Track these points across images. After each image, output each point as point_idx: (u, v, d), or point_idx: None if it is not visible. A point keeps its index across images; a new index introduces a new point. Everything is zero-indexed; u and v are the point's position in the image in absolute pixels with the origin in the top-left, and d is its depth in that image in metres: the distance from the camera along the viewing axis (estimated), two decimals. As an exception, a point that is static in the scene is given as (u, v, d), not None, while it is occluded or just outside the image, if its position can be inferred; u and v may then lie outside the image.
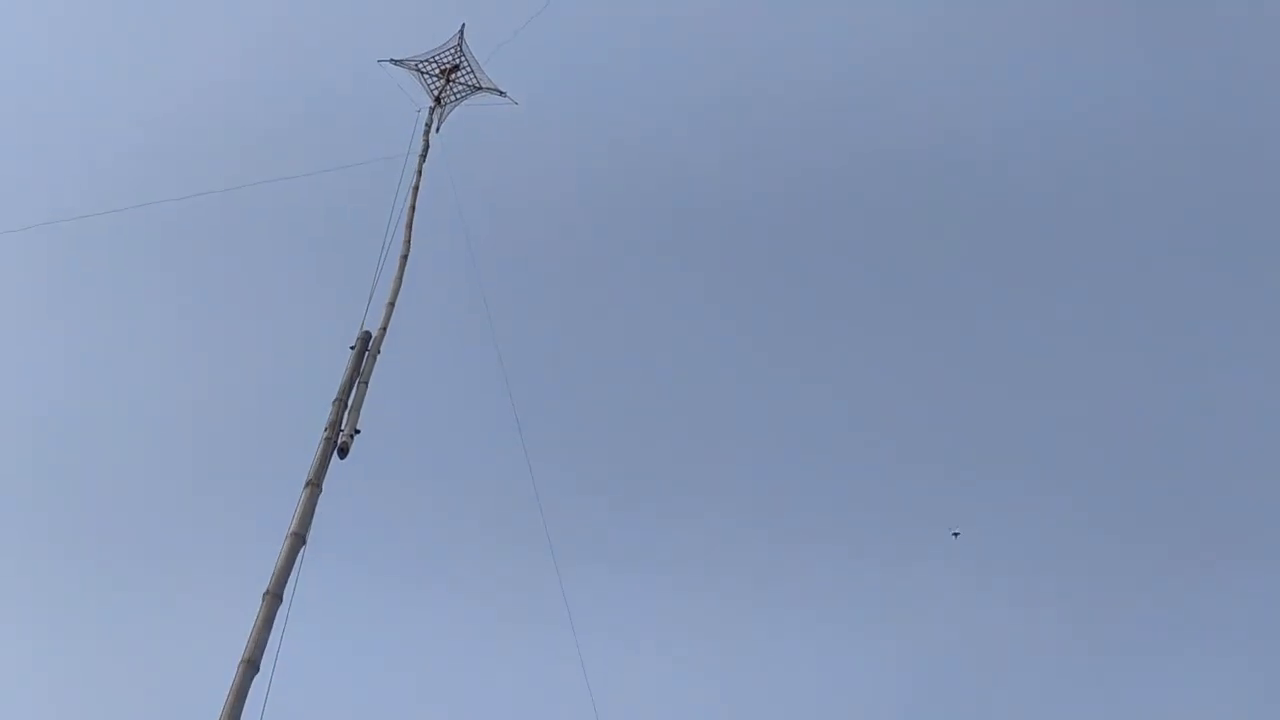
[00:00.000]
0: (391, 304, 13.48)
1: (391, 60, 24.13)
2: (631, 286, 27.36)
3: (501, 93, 24.27)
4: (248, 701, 8.38)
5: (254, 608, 8.95)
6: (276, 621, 8.96)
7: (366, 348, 12.36)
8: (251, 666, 8.55)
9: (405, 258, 14.93)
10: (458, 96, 23.88)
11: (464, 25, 23.87)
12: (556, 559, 12.72)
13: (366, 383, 11.75)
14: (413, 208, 16.42)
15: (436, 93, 23.48)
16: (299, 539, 9.62)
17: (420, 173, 18.29)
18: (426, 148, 19.83)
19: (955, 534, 21.05)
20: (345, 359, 12.08)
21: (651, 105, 28.91)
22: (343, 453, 10.65)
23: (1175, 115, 26.61)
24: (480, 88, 24.18)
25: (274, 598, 9.08)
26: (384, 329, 12.85)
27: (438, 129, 21.98)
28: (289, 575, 9.32)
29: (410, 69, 24.15)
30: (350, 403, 11.37)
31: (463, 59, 23.90)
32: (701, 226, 28.14)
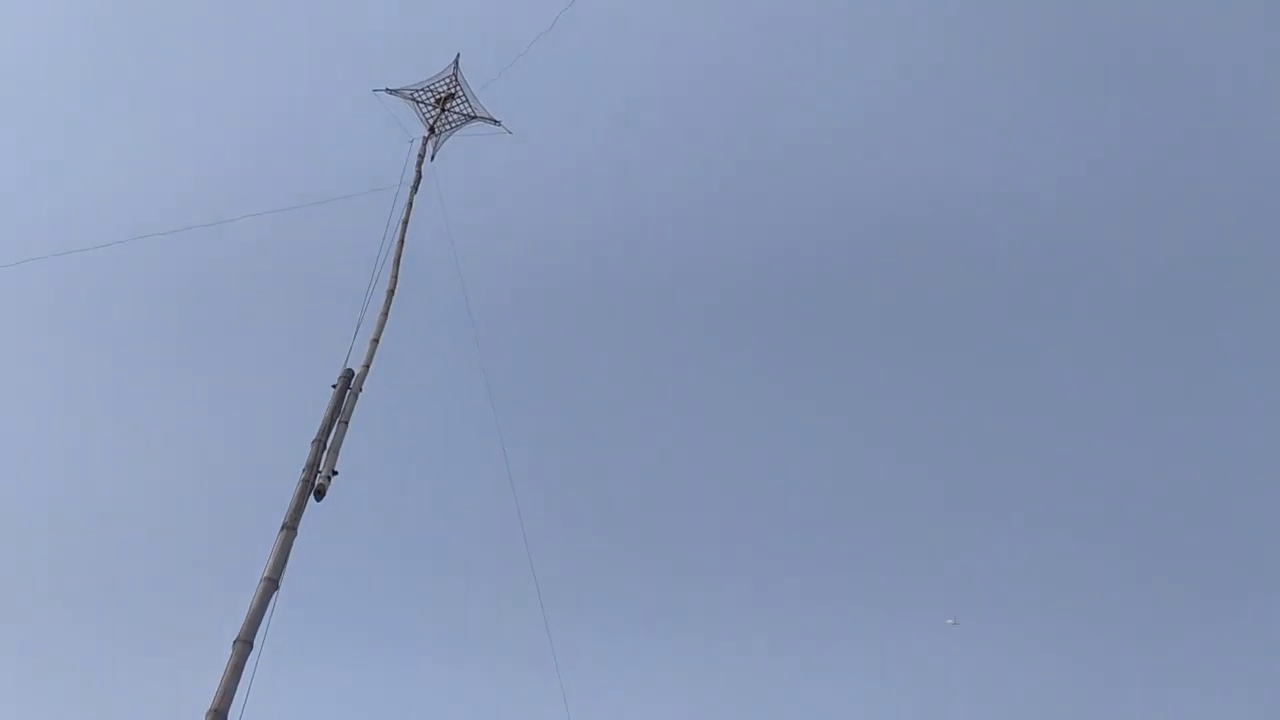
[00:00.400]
0: (376, 340, 13.37)
1: (386, 89, 24.17)
2: (630, 326, 27.26)
3: (496, 122, 24.30)
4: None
5: (224, 656, 8.84)
6: (247, 669, 8.86)
7: (349, 386, 12.26)
8: (219, 717, 8.45)
9: (392, 293, 14.81)
10: (452, 125, 23.92)
11: (459, 55, 23.93)
12: (544, 605, 12.54)
13: (347, 423, 11.64)
14: (401, 241, 16.29)
15: (431, 122, 23.51)
16: (272, 584, 9.52)
17: (411, 204, 18.15)
18: (419, 178, 19.74)
19: (952, 623, 20.79)
20: (326, 397, 11.99)
21: (648, 137, 28.94)
22: (319, 495, 10.54)
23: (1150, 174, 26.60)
24: (475, 117, 24.22)
25: (244, 645, 8.98)
26: (366, 367, 12.73)
27: (432, 158, 22.00)
28: (260, 621, 9.22)
29: (405, 98, 24.18)
30: (329, 443, 11.27)
31: (458, 88, 23.94)
32: (698, 263, 28.09)
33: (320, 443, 11.21)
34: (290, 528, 10.03)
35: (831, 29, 28.87)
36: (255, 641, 9.06)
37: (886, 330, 26.08)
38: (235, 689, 8.67)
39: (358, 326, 13.47)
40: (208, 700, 8.54)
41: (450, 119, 23.77)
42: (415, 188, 19.07)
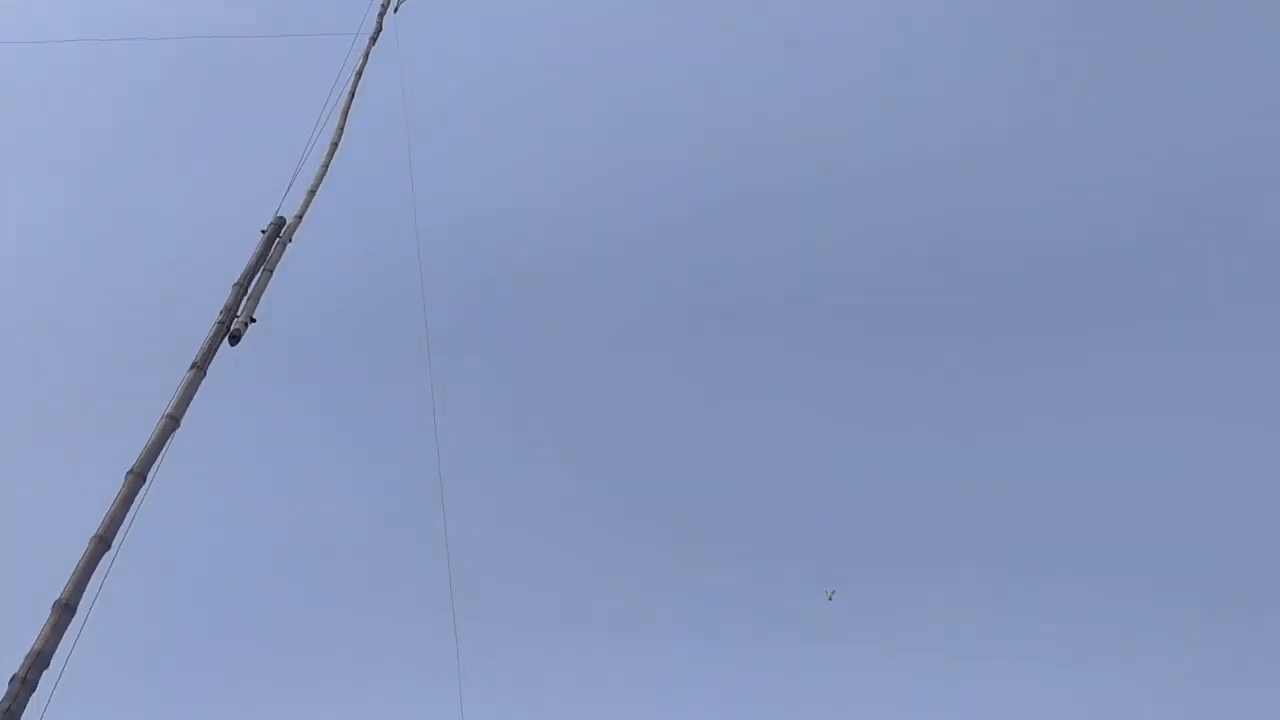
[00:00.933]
0: (313, 191, 13.10)
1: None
2: (584, 239, 26.77)
3: (468, -15, 23.60)
4: (95, 577, 8.31)
5: (116, 485, 8.81)
6: (135, 501, 8.84)
7: (279, 234, 12.05)
8: (103, 543, 8.45)
9: (336, 144, 14.47)
10: (422, -21, 23.14)
11: (440, -92, 23.05)
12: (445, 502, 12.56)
13: (272, 270, 11.46)
14: (352, 93, 15.85)
15: (400, -29, 22.71)
16: (173, 421, 9.45)
17: (367, 55, 17.62)
18: (379, 29, 19.12)
19: (830, 595, 20.37)
20: (255, 242, 11.78)
21: (628, 47, 28.24)
22: (234, 339, 10.42)
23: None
24: (447, -25, 23.46)
25: (137, 477, 8.93)
26: (300, 217, 12.50)
27: (395, 10, 21.28)
28: (156, 457, 9.17)
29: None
30: (251, 289, 11.11)
31: (433, -58, 23.10)
32: (664, 200, 27.50)
33: (242, 287, 11.04)
34: (200, 368, 9.91)
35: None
36: (148, 475, 9.02)
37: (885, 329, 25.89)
38: (123, 519, 8.66)
39: (295, 174, 13.20)
40: (95, 525, 8.53)
41: (421, -27, 22.97)
42: (374, 39, 18.48)
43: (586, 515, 22.76)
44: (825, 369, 24.88)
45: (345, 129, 14.96)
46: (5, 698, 7.06)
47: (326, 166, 13.72)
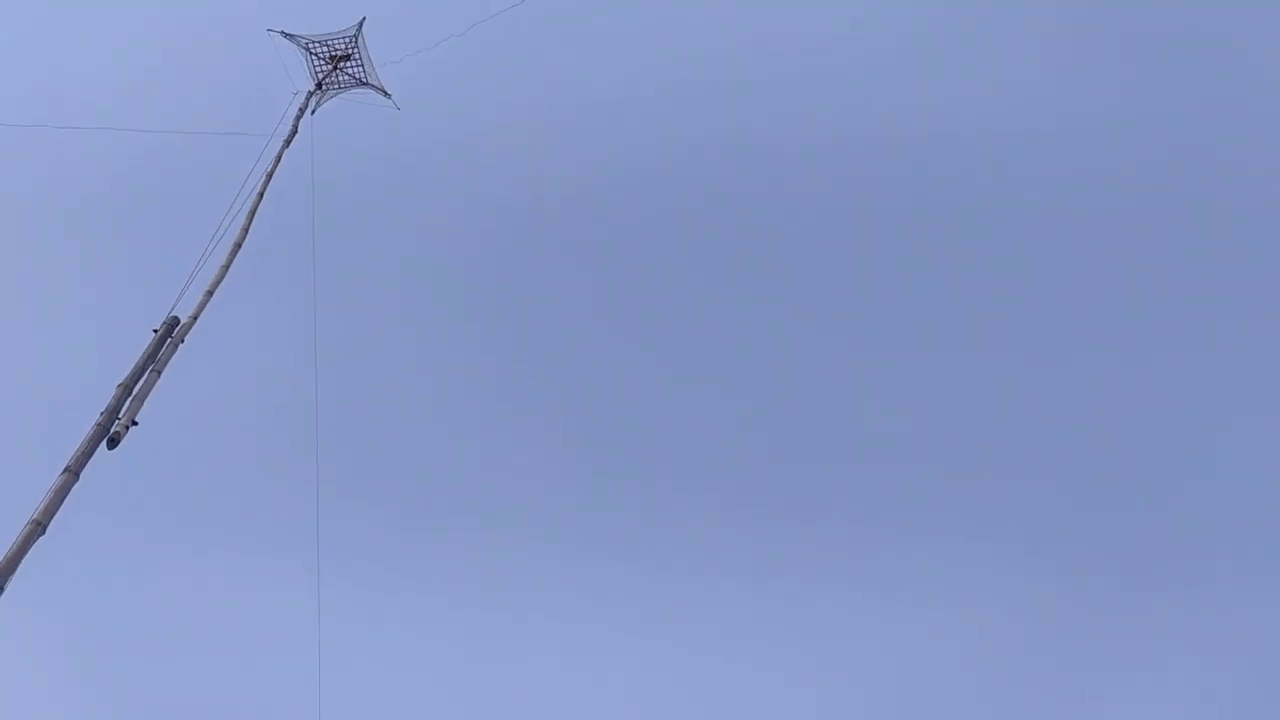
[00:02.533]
0: (210, 292, 12.83)
1: (282, 32, 23.41)
2: (477, 321, 26.89)
3: (386, 93, 23.82)
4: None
5: (-32, 594, 8.29)
6: (-11, 613, 8.33)
7: (170, 334, 11.73)
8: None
9: (239, 245, 14.24)
10: (341, 86, 23.33)
11: (364, 18, 23.37)
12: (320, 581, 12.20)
13: (160, 372, 11.11)
14: (261, 194, 15.68)
15: (320, 77, 22.88)
16: (38, 526, 8.98)
17: (279, 158, 17.52)
18: (294, 132, 19.05)
19: None
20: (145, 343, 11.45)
21: (537, 145, 28.78)
22: (113, 443, 10.01)
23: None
24: (366, 83, 23.70)
25: (-8, 587, 8.43)
26: (194, 318, 12.19)
27: (313, 112, 21.35)
28: (17, 564, 8.68)
29: (300, 45, 23.47)
30: (136, 390, 10.74)
31: (355, 50, 23.38)
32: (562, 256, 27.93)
33: (127, 388, 10.67)
34: (73, 472, 9.48)
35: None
36: (4, 585, 8.52)
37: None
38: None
39: (194, 274, 12.92)
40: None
41: (340, 79, 23.18)
42: (288, 142, 18.41)
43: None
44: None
45: (250, 230, 14.78)
46: None
47: (227, 267, 13.47)
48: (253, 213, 15.11)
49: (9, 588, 8.58)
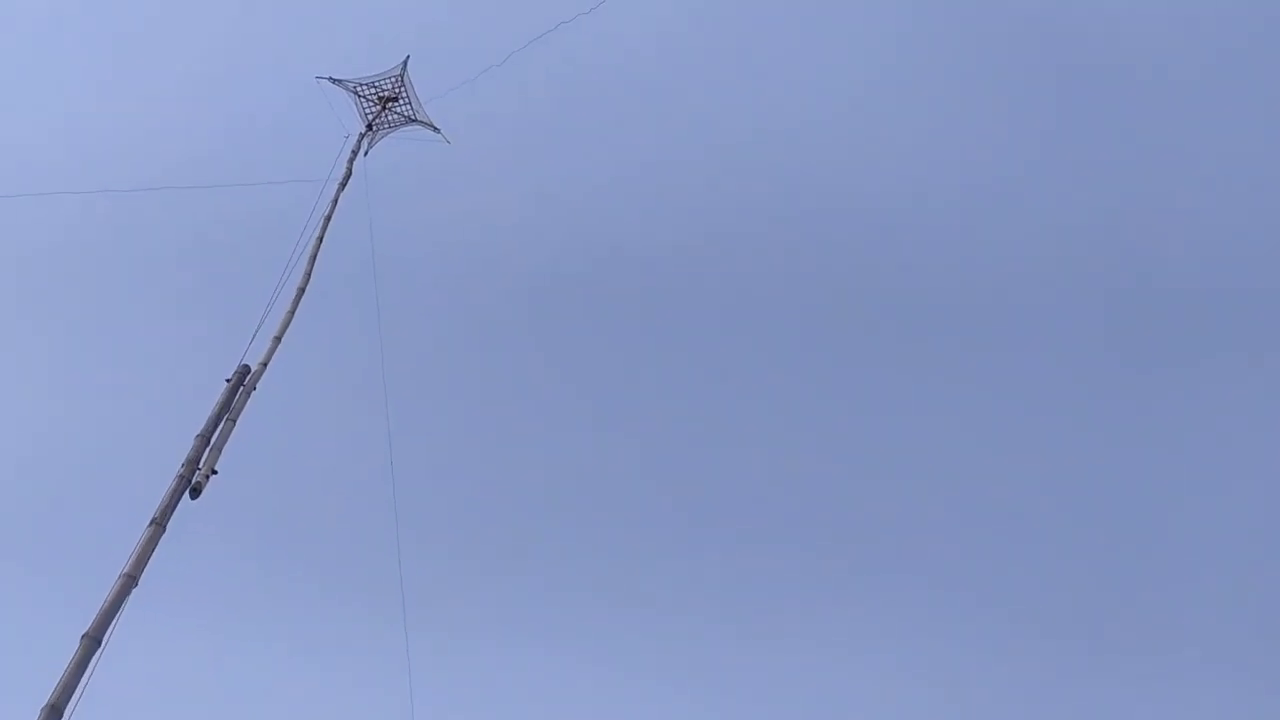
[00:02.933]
0: (278, 339, 13.12)
1: (330, 78, 23.91)
2: (542, 353, 27.15)
3: (435, 129, 24.18)
4: None
5: (70, 650, 8.57)
6: (91, 666, 8.59)
7: (243, 382, 12.02)
8: (55, 712, 8.18)
9: (303, 290, 14.53)
10: (391, 125, 23.75)
11: (408, 57, 23.80)
12: (406, 624, 12.37)
13: (235, 420, 11.40)
14: (320, 238, 16.01)
15: (370, 119, 23.32)
16: (131, 580, 9.26)
17: (336, 201, 17.84)
18: (349, 174, 19.39)
19: None
20: (218, 391, 11.75)
21: (590, 168, 29.00)
22: (195, 493, 10.28)
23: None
24: (415, 120, 24.08)
25: (91, 640, 8.71)
26: (264, 364, 12.48)
27: (365, 154, 21.75)
28: (113, 618, 8.95)
29: (348, 90, 23.96)
30: (214, 439, 11.02)
31: (402, 90, 23.79)
32: (620, 292, 28.13)
33: (205, 438, 10.95)
34: (159, 524, 9.76)
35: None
36: (103, 638, 8.79)
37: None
38: (76, 685, 8.40)
39: (261, 321, 13.23)
40: (48, 693, 8.27)
41: (390, 119, 23.60)
42: (344, 184, 18.74)
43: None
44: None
45: (313, 274, 15.09)
46: None
47: (292, 313, 13.77)
48: (314, 257, 15.43)
49: (109, 640, 8.86)
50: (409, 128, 23.83)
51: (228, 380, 11.95)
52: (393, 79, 23.74)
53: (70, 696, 8.36)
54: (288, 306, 13.84)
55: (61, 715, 8.19)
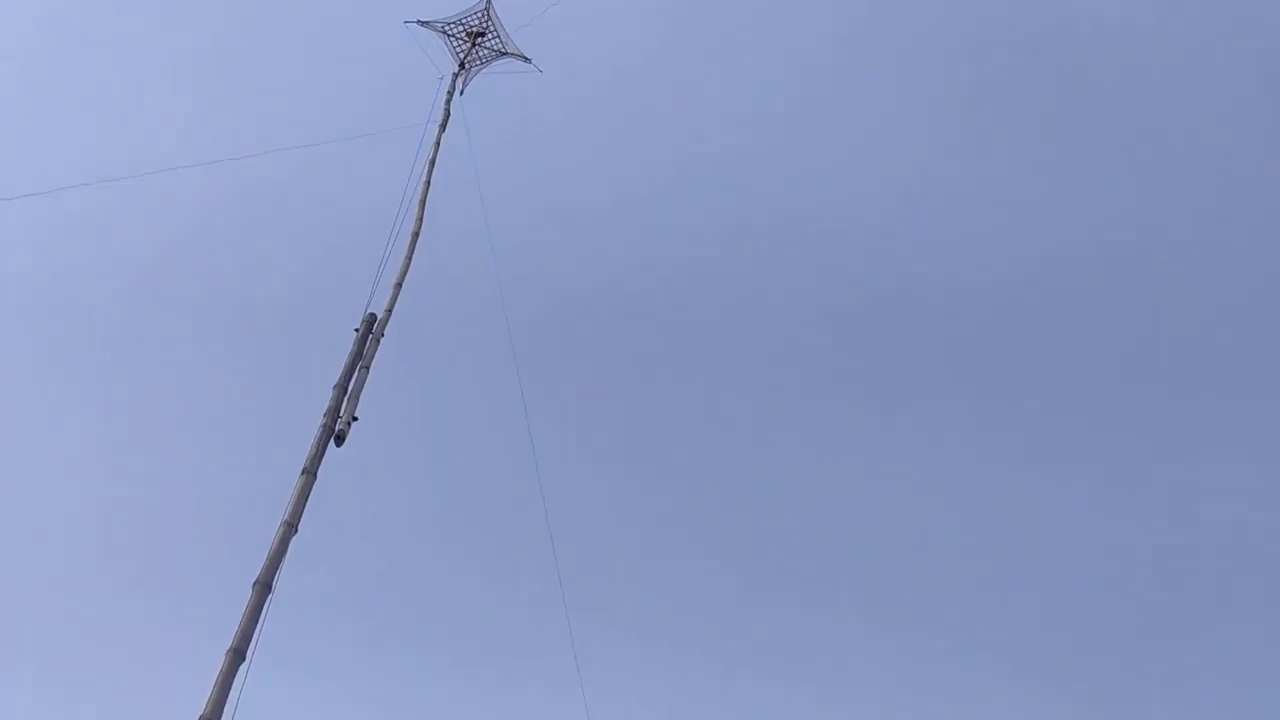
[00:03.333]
0: (399, 285, 13.41)
1: (419, 21, 23.99)
2: (654, 275, 27.06)
3: (526, 59, 24.12)
4: (233, 690, 8.55)
5: (243, 598, 9.08)
6: (263, 611, 9.09)
7: (370, 331, 12.37)
8: (238, 655, 8.70)
9: (417, 235, 14.80)
10: (482, 61, 23.77)
11: (491, -11, 23.70)
12: (560, 577, 12.55)
13: (368, 368, 11.76)
14: (428, 182, 16.23)
15: (461, 57, 23.35)
16: (290, 528, 9.72)
17: (438, 143, 18.00)
18: (447, 116, 19.51)
19: None
20: (349, 342, 12.11)
21: (677, 87, 28.56)
22: (339, 440, 10.69)
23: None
24: (506, 53, 24.04)
25: (263, 587, 9.20)
26: (389, 311, 12.81)
27: (461, 92, 21.85)
28: (279, 564, 9.43)
29: (437, 31, 24.02)
30: (350, 388, 11.40)
31: (489, 24, 23.75)
32: (726, 217, 27.79)
33: (341, 388, 11.34)
34: (310, 473, 10.20)
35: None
36: (272, 583, 9.28)
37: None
38: (254, 630, 8.91)
39: (380, 269, 13.51)
40: (226, 641, 8.78)
41: (480, 54, 23.61)
42: (444, 126, 18.90)
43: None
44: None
45: (424, 218, 15.34)
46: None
47: (410, 258, 14.06)
48: (423, 201, 15.69)
49: (277, 586, 9.36)
50: (500, 61, 23.85)
51: (356, 330, 12.32)
52: (479, 14, 23.72)
53: (249, 640, 8.87)
54: (404, 252, 14.14)
55: (244, 657, 8.71)
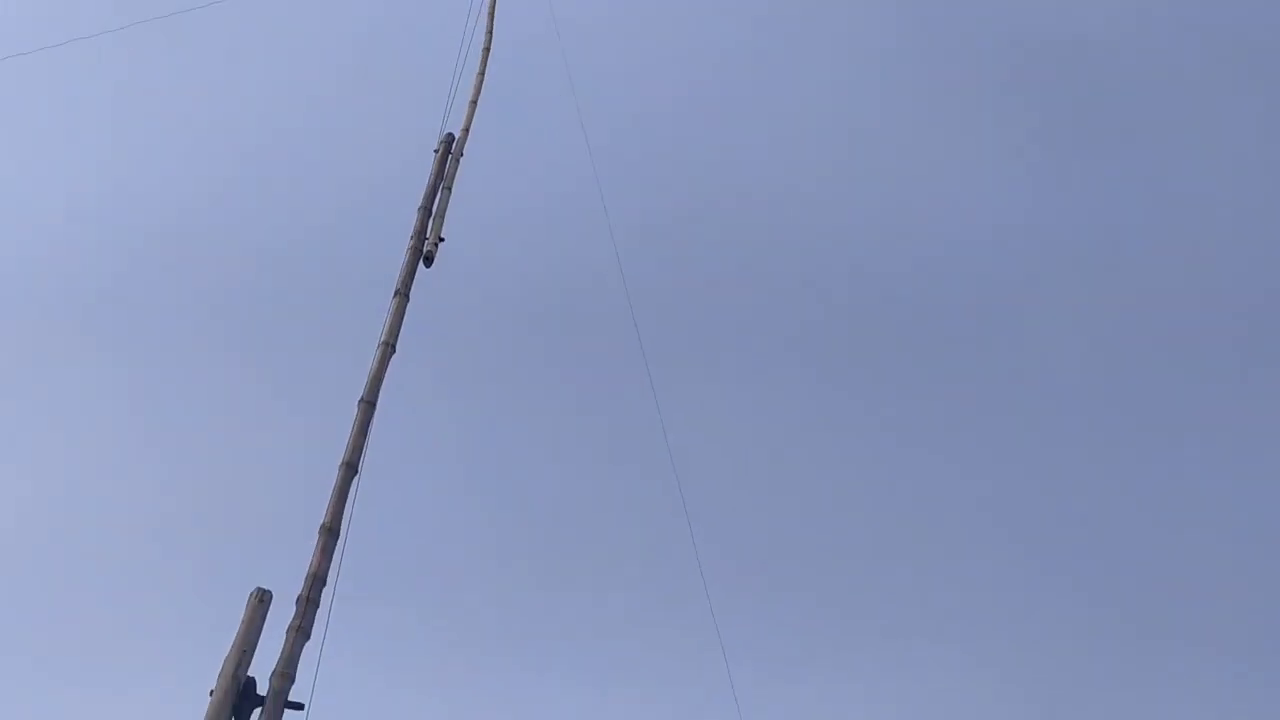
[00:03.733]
0: (474, 102, 13.41)
1: None
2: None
3: None
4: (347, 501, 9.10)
5: (350, 414, 9.53)
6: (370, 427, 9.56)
7: (449, 150, 12.43)
8: (350, 469, 9.21)
9: (488, 49, 14.68)
10: None
11: None
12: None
13: (450, 188, 11.90)
14: (495, -10, 15.93)
15: None
16: (389, 348, 10.09)
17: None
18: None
19: None
20: (429, 163, 12.21)
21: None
22: (428, 261, 10.94)
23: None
24: None
25: (368, 405, 9.64)
26: (466, 130, 12.85)
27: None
28: (380, 383, 9.85)
29: None
30: (435, 209, 11.58)
31: None
32: None
33: (426, 209, 11.52)
34: (403, 294, 10.49)
35: None
36: (375, 400, 9.72)
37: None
38: (364, 444, 9.39)
39: (453, 87, 13.46)
40: (340, 453, 9.29)
41: None
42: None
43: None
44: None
45: (494, 31, 15.12)
46: (295, 616, 7.93)
47: (482, 74, 13.96)
48: (491, 12, 15.45)
49: (380, 403, 9.81)
50: None
51: (435, 150, 12.40)
52: None
53: (360, 455, 9.37)
54: (476, 68, 14.03)
55: (356, 471, 9.22)
